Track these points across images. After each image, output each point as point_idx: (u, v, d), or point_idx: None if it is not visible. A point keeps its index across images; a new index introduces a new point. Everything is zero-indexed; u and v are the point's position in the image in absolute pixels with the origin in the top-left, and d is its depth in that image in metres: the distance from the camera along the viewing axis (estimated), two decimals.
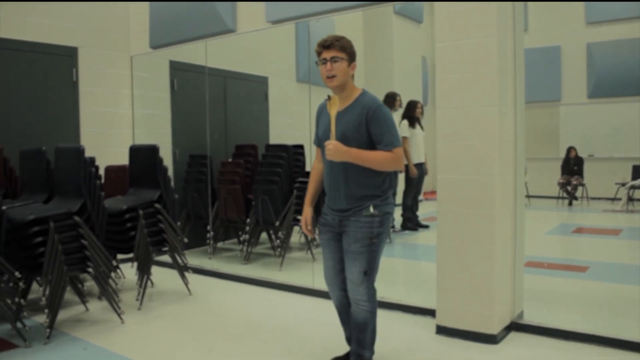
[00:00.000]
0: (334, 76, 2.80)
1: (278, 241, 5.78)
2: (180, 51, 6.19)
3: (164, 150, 5.64)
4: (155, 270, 5.82)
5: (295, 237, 6.58)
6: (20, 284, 3.97)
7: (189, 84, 6.49)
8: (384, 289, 4.64)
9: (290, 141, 6.02)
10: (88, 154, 5.32)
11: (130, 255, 4.71)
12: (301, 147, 5.98)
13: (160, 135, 6.44)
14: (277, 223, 5.65)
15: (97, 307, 4.65)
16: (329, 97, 2.83)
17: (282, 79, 7.28)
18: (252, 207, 5.82)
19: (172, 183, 5.68)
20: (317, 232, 3.54)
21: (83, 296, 4.62)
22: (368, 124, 2.77)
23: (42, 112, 5.83)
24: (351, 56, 2.86)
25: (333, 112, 2.79)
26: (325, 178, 2.97)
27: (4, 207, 4.15)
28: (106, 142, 6.32)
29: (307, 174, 5.76)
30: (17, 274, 3.80)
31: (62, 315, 4.40)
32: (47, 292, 3.89)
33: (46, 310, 3.93)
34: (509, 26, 3.76)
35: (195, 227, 6.42)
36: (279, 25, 5.19)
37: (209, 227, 6.13)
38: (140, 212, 4.63)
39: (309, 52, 6.14)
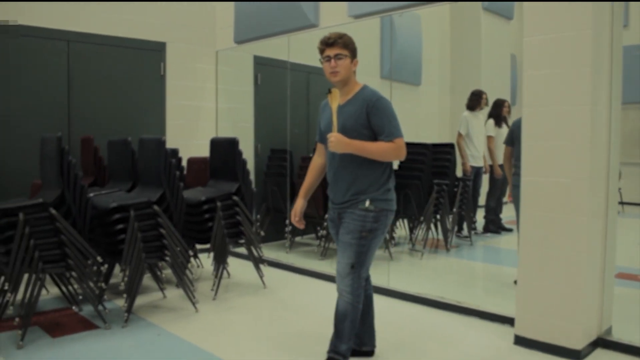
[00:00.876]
0: (338, 72, 2.84)
1: None
2: (264, 46, 6.16)
3: (245, 143, 5.65)
4: (231, 261, 5.85)
5: None
6: (102, 268, 4.05)
7: (272, 79, 6.44)
8: (461, 292, 4.52)
9: None
10: (173, 145, 5.49)
11: (208, 245, 4.69)
12: None
13: (242, 128, 6.44)
14: None
15: (174, 294, 4.69)
16: (330, 91, 2.84)
17: (365, 76, 7.08)
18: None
19: (253, 176, 5.68)
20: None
21: (161, 283, 4.67)
22: (369, 115, 2.78)
23: (132, 104, 5.94)
24: (353, 53, 2.88)
25: (334, 105, 2.81)
26: (328, 171, 2.98)
27: (90, 195, 4.29)
28: (190, 135, 6.37)
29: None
30: (99, 258, 3.87)
31: (140, 300, 4.48)
32: (127, 277, 3.96)
33: (124, 295, 4.00)
34: (606, 20, 3.45)
35: (274, 220, 6.38)
36: (361, 20, 5.03)
37: (287, 222, 6.07)
38: (218, 203, 4.62)
39: (390, 47, 5.97)
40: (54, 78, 5.43)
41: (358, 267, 2.86)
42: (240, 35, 6.27)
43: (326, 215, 5.45)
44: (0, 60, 5.11)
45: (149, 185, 4.40)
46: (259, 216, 6.17)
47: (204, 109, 6.51)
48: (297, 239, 6.54)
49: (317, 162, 3.17)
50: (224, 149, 4.87)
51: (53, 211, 3.70)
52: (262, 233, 5.00)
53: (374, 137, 2.83)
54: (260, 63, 6.48)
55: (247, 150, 5.84)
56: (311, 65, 6.29)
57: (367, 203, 2.84)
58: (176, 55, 6.25)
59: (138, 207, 4.07)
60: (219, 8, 6.55)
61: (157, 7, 6.08)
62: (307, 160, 6.24)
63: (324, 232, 5.86)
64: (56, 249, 3.71)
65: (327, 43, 2.85)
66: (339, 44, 2.84)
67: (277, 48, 6.03)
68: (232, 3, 6.33)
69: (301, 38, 5.67)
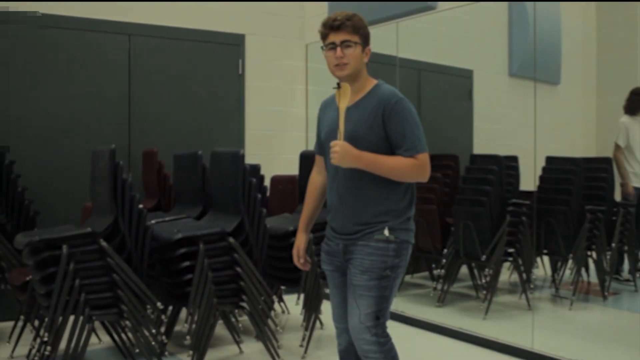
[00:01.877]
0: (346, 64, 2.59)
1: (484, 280, 5.25)
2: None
3: None
4: (326, 307, 5.40)
5: (506, 276, 5.86)
6: (164, 316, 3.81)
7: (377, 78, 6.06)
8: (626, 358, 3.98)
9: (501, 151, 5.44)
10: (253, 160, 5.29)
11: (297, 288, 4.46)
12: (515, 159, 5.38)
13: None
14: (484, 257, 5.10)
15: (252, 349, 4.42)
16: (339, 85, 2.59)
17: (490, 73, 6.58)
18: (451, 235, 5.35)
19: None
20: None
21: (237, 334, 4.42)
22: (385, 121, 2.58)
23: (203, 109, 5.86)
24: (365, 39, 2.67)
25: (343, 104, 2.55)
26: (329, 192, 2.77)
27: (152, 222, 4.05)
28: (275, 147, 6.24)
29: (523, 194, 5.06)
30: (159, 304, 3.70)
31: (211, 355, 4.22)
32: (194, 327, 3.75)
33: (191, 351, 3.79)
34: None
35: None
36: (487, 2, 4.56)
37: None
38: (310, 235, 4.19)
39: (523, 38, 5.48)
40: (112, 79, 5.42)
41: (383, 317, 2.66)
42: None
43: (444, 250, 4.97)
44: (46, 59, 5.09)
45: (223, 211, 4.16)
46: None
47: (292, 116, 6.33)
48: (407, 277, 6.10)
49: (317, 180, 2.93)
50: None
51: (103, 243, 3.54)
52: None
53: (389, 149, 2.59)
54: None
55: None
56: (423, 61, 5.90)
57: (387, 232, 2.60)
58: (257, 50, 6.13)
59: (209, 240, 3.83)
60: None
61: None
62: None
63: (441, 272, 5.43)
64: (107, 291, 3.58)
65: (332, 26, 2.61)
66: (347, 28, 2.59)
67: (381, 40, 5.70)
68: None
69: (412, 26, 5.35)
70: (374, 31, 5.53)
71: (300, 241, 2.92)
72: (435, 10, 5.05)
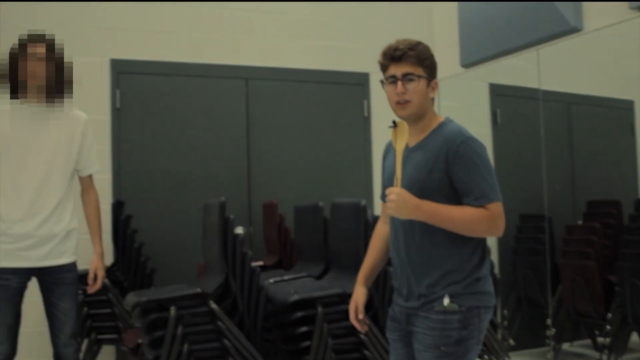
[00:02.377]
0: (408, 101, 2.42)
1: None
2: (504, 70, 5.58)
3: None
4: None
5: None
6: None
7: (518, 115, 5.79)
8: None
9: None
10: (378, 211, 5.01)
11: None
12: None
13: None
14: None
15: None
16: (395, 124, 2.43)
17: None
18: (616, 296, 4.86)
19: (496, 254, 5.28)
20: None
21: None
22: (449, 166, 2.38)
23: (325, 156, 5.79)
24: (431, 71, 2.48)
25: (400, 145, 2.41)
26: (390, 246, 2.60)
27: (270, 281, 3.97)
28: None
29: None
30: None
31: None
32: None
33: None
34: None
35: (528, 318, 5.67)
36: None
37: (548, 321, 5.33)
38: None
39: None
40: (230, 126, 5.46)
41: None
42: (468, 57, 5.81)
43: (609, 314, 4.50)
44: (162, 108, 5.24)
45: (344, 269, 4.03)
46: (505, 312, 5.57)
47: None
48: (565, 346, 5.59)
49: (382, 231, 2.74)
50: None
51: (213, 305, 3.49)
52: (512, 342, 4.22)
53: (456, 198, 2.39)
54: (500, 93, 5.90)
55: None
56: (571, 92, 5.53)
57: (446, 302, 2.38)
58: (380, 88, 5.83)
59: (328, 302, 3.70)
60: (438, 22, 6.16)
61: (356, 27, 5.89)
62: (575, 231, 5.42)
63: (606, 340, 4.92)
64: (218, 359, 3.50)
65: (392, 56, 2.44)
66: (410, 59, 2.41)
67: (521, 71, 5.43)
68: (455, 15, 5.83)
69: (555, 52, 5.05)
70: (510, 61, 5.29)
71: (359, 295, 2.69)
72: (582, 32, 4.74)
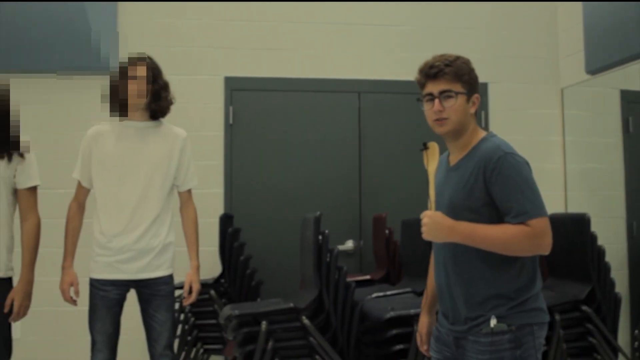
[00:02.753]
0: (446, 119, 2.39)
1: None
2: (637, 76, 5.18)
3: (605, 222, 4.82)
4: None
5: None
6: None
7: None
8: None
9: None
10: None
11: None
12: None
13: (606, 199, 5.54)
14: None
15: None
16: (425, 146, 2.45)
17: None
18: None
19: (626, 270, 5.06)
20: None
21: None
22: (487, 183, 2.31)
23: None
24: (471, 86, 2.43)
25: (432, 167, 2.43)
26: (435, 267, 2.54)
27: (372, 296, 3.91)
28: None
29: None
30: None
31: None
32: None
33: None
34: None
35: None
36: None
37: None
38: (557, 316, 3.84)
39: None
40: (341, 140, 5.43)
41: None
42: (594, 62, 5.43)
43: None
44: (273, 123, 5.30)
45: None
46: (637, 332, 5.08)
47: (546, 172, 5.80)
48: None
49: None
50: (565, 230, 4.10)
51: (305, 321, 3.49)
52: None
53: (499, 217, 2.30)
54: (633, 100, 5.49)
55: (607, 232, 4.81)
56: None
57: (493, 323, 2.30)
58: (502, 99, 5.74)
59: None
60: (562, 25, 5.84)
61: (475, 36, 5.70)
62: None
63: None
64: None
65: (428, 74, 2.40)
66: (447, 75, 2.37)
67: None
68: (580, 18, 5.49)
69: None
70: None
71: (422, 325, 2.66)
72: None
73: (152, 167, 3.33)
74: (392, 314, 3.50)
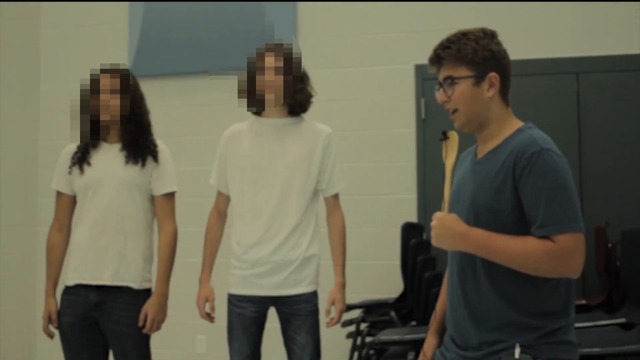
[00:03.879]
0: (456, 110, 2.14)
1: None
2: None
3: None
4: None
5: None
6: None
7: None
8: None
9: None
10: None
11: None
12: None
13: None
14: None
15: None
16: (445, 135, 2.21)
17: None
18: None
19: None
20: None
21: None
22: (518, 183, 2.02)
23: None
24: (481, 66, 2.13)
25: (450, 161, 2.19)
26: (448, 287, 2.28)
27: None
28: None
29: None
30: None
31: None
32: None
33: None
34: None
35: None
36: None
37: None
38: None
39: None
40: (555, 134, 4.59)
41: None
42: None
43: None
44: None
45: None
46: None
47: None
48: None
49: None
50: None
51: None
52: None
53: (521, 226, 2.02)
54: None
55: None
56: None
57: (517, 353, 2.01)
58: None
59: None
60: None
61: None
62: None
63: None
64: None
65: (430, 61, 2.22)
66: (446, 59, 2.16)
67: None
68: None
69: None
70: None
71: (428, 347, 2.40)
72: None
73: (290, 169, 3.04)
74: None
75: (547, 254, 1.96)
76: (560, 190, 2.00)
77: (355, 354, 3.78)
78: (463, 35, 2.16)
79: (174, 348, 4.86)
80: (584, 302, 4.01)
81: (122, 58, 4.97)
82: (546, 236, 1.97)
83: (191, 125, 4.95)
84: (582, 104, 4.78)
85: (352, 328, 4.12)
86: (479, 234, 2.03)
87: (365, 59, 4.78)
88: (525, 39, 4.75)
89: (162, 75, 5.07)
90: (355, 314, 4.21)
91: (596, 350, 2.91)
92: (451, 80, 2.15)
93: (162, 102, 5.05)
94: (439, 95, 2.19)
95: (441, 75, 2.18)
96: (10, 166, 5.43)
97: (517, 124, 2.20)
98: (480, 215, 2.07)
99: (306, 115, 3.20)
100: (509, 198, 2.04)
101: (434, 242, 2.10)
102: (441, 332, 2.41)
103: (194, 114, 4.98)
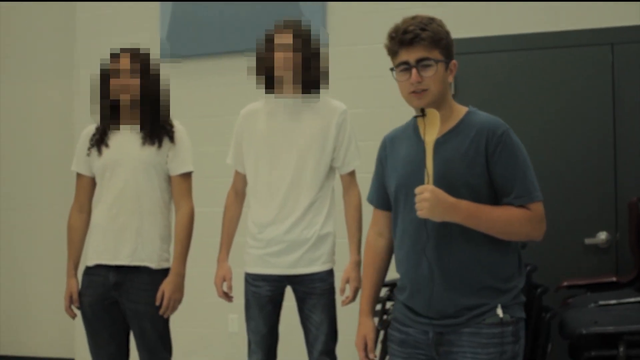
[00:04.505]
0: (425, 90, 2.25)
1: None
2: None
3: None
4: None
5: None
6: None
7: None
8: None
9: None
10: None
11: None
12: None
13: None
14: None
15: None
16: (423, 112, 2.22)
17: None
18: None
19: None
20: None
21: None
22: (489, 159, 2.23)
23: None
24: (449, 52, 2.31)
25: (430, 136, 2.20)
26: (404, 259, 2.37)
27: (599, 304, 3.26)
28: None
29: None
30: None
31: None
32: None
33: None
34: None
35: None
36: None
37: None
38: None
39: None
40: (588, 105, 4.57)
41: None
42: None
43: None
44: (501, 90, 4.66)
45: None
46: None
47: None
48: None
49: (378, 245, 2.57)
50: None
51: None
52: None
53: (492, 197, 2.24)
54: None
55: None
56: None
57: (501, 312, 2.20)
58: None
59: (632, 341, 2.87)
60: None
61: None
62: None
63: None
64: None
65: (402, 40, 2.25)
66: (424, 41, 2.22)
67: None
68: None
69: None
70: None
71: (368, 329, 2.52)
72: None
73: (304, 147, 3.06)
74: (583, 330, 2.89)
75: (526, 220, 2.21)
76: (527, 165, 2.25)
77: (382, 333, 3.76)
78: (432, 21, 2.28)
79: (206, 327, 4.94)
80: (614, 279, 3.91)
81: (153, 41, 5.01)
82: (523, 205, 2.21)
83: (225, 104, 4.96)
84: (617, 76, 4.54)
85: (378, 307, 4.09)
86: (467, 204, 2.17)
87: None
88: (557, 10, 4.58)
89: (194, 56, 5.11)
90: (381, 292, 4.18)
91: (621, 328, 2.90)
92: (427, 62, 2.24)
93: (193, 82, 5.11)
94: (414, 76, 2.24)
95: (411, 56, 2.24)
96: (47, 151, 5.59)
97: (463, 108, 2.37)
98: (456, 189, 2.19)
99: (332, 93, 3.20)
100: (481, 173, 2.22)
101: (425, 213, 2.16)
102: (372, 313, 2.58)
103: (226, 94, 5.00)
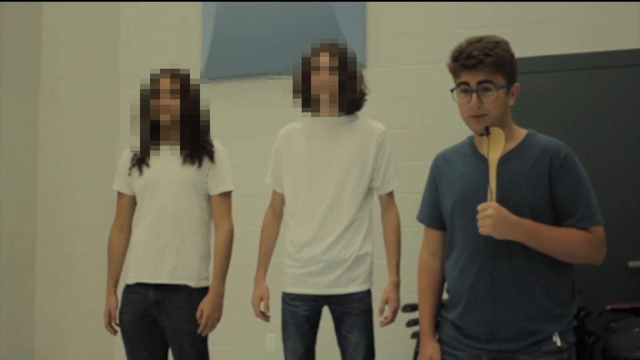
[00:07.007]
0: (484, 115, 2.24)
1: None
2: None
3: None
4: None
5: None
6: None
7: None
8: None
9: None
10: None
11: None
12: None
13: None
14: None
15: None
16: (488, 130, 2.23)
17: None
18: None
19: None
20: None
21: None
22: (553, 181, 2.24)
23: None
24: (512, 76, 2.29)
25: (494, 155, 2.22)
26: (458, 274, 2.33)
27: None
28: None
29: None
30: None
31: None
32: None
33: None
34: None
35: None
36: None
37: None
38: None
39: None
40: (626, 127, 4.44)
41: None
42: None
43: None
44: (557, 111, 4.51)
45: None
46: None
47: None
48: None
49: (433, 266, 2.54)
50: None
51: None
52: None
53: (553, 219, 2.24)
54: None
55: None
56: None
57: (558, 340, 2.18)
58: None
59: None
60: None
61: None
62: None
63: None
64: None
65: (465, 65, 2.22)
66: (488, 65, 2.19)
67: None
68: None
69: None
70: None
71: (434, 351, 2.46)
72: None
73: (343, 167, 3.07)
74: (629, 355, 2.84)
75: (589, 243, 2.22)
76: (589, 188, 2.26)
77: (414, 343, 3.73)
78: (497, 44, 2.24)
79: (244, 346, 4.93)
80: None
81: (195, 62, 5.09)
82: (585, 227, 2.22)
83: (264, 124, 4.98)
84: None
85: (417, 328, 4.05)
86: (530, 223, 2.17)
87: (433, 56, 4.64)
88: (592, 31, 4.47)
89: (234, 77, 5.15)
90: None
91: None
92: (488, 86, 2.22)
93: (232, 102, 5.14)
94: (474, 100, 2.22)
95: (473, 79, 2.22)
96: (89, 170, 5.67)
97: (522, 129, 2.37)
98: (519, 209, 2.19)
99: (371, 114, 3.19)
100: (543, 194, 2.22)
101: (488, 230, 2.15)
102: (434, 333, 2.52)
103: (265, 114, 5.02)
